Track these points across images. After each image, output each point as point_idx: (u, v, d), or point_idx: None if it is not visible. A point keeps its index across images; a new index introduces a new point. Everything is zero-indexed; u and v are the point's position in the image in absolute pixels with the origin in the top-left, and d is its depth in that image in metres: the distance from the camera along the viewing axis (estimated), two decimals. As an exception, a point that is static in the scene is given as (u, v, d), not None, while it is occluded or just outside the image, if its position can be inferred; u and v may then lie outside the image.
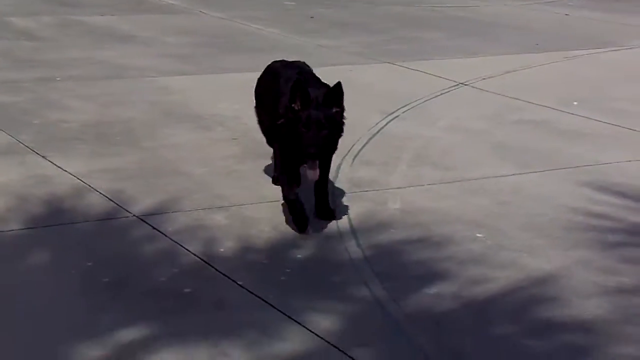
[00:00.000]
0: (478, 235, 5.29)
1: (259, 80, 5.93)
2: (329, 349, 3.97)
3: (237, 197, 5.78)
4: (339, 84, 5.11)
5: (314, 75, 5.60)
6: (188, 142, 6.85)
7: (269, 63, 5.93)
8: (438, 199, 5.86)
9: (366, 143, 6.91)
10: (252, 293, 4.48)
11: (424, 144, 6.96)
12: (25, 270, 4.71)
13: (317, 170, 5.09)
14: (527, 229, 5.40)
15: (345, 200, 5.74)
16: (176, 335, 4.05)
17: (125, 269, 4.73)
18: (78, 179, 5.96)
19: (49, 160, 6.29)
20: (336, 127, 5.16)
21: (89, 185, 5.84)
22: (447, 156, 6.72)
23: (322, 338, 4.05)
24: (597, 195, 5.95)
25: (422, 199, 5.83)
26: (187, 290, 4.51)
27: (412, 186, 6.05)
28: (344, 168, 6.31)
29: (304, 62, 5.81)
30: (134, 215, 5.39)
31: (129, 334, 4.04)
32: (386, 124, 7.46)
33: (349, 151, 6.59)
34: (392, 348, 4.04)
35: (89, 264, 4.77)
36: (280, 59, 5.99)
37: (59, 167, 6.17)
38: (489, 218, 5.55)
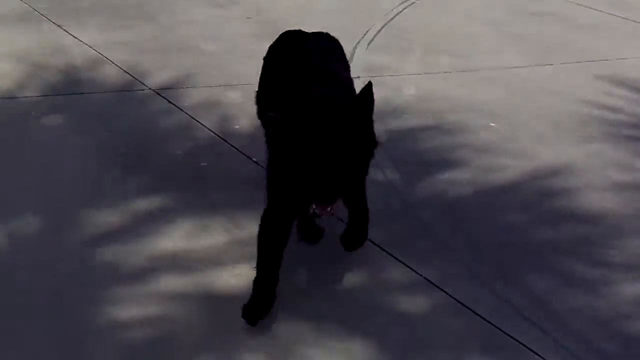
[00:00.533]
0: (491, 124, 5.29)
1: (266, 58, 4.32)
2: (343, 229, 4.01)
3: (252, 75, 5.72)
4: (369, 86, 3.29)
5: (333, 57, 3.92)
6: (203, 19, 6.80)
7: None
8: (453, 87, 5.85)
9: (381, 28, 6.86)
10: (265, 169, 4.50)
11: (440, 31, 6.92)
12: (41, 135, 4.72)
13: (337, 206, 3.16)
14: (541, 120, 5.40)
15: (359, 85, 5.72)
16: (192, 207, 4.09)
17: (142, 140, 4.74)
18: (94, 49, 5.93)
19: (64, 30, 6.25)
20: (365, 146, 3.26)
21: (105, 57, 5.82)
22: (464, 45, 6.68)
23: (337, 217, 4.09)
24: (611, 89, 5.94)
25: (437, 87, 5.82)
26: (203, 164, 4.53)
27: (427, 73, 6.03)
28: (359, 53, 6.27)
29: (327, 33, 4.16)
30: (149, 89, 5.39)
31: (146, 204, 4.08)
32: (403, 10, 7.39)
33: (363, 37, 6.54)
34: (406, 230, 4.08)
35: (107, 133, 4.78)
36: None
37: (75, 37, 6.13)
38: (503, 108, 5.55)
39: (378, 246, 3.84)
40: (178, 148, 4.68)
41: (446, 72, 6.10)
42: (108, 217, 3.95)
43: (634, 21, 7.46)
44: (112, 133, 4.79)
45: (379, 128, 5.08)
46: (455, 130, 5.19)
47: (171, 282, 3.53)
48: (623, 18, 7.54)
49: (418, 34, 6.79)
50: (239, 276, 3.55)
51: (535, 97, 5.78)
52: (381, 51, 6.37)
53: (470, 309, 3.48)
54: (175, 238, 3.84)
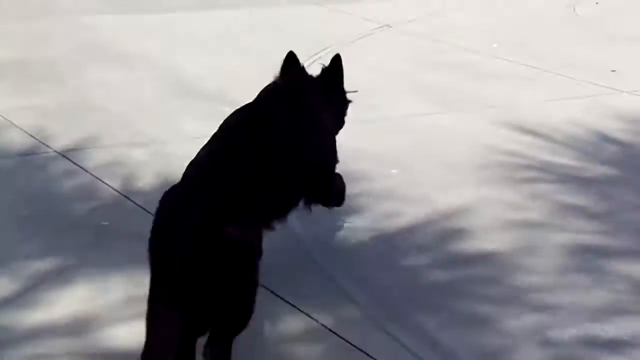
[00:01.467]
0: (393, 171, 5.40)
1: None
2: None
3: (158, 134, 5.81)
4: (337, 57, 3.89)
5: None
6: (111, 80, 6.85)
7: None
8: (356, 136, 5.94)
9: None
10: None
11: (345, 83, 7.03)
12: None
13: None
14: (441, 166, 5.52)
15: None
16: (92, 266, 4.11)
17: (44, 203, 4.76)
18: (-1, 114, 5.95)
19: (-31, 96, 6.27)
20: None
21: (10, 121, 5.83)
22: (368, 95, 6.80)
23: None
24: (510, 134, 6.09)
25: (341, 136, 5.90)
26: (105, 223, 4.56)
27: (332, 124, 6.12)
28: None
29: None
30: (54, 151, 5.41)
31: (45, 265, 4.10)
32: (309, 65, 7.51)
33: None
34: (305, 278, 4.14)
35: (9, 197, 4.79)
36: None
37: (-20, 103, 6.15)
38: (404, 155, 5.66)
39: (273, 293, 3.90)
40: (80, 209, 4.70)
41: (349, 122, 6.20)
42: (4, 281, 3.94)
43: (530, 66, 7.66)
44: (14, 196, 4.80)
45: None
46: (357, 178, 5.27)
47: (69, 344, 3.53)
48: (521, 64, 7.74)
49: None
50: (138, 334, 3.57)
51: (436, 144, 5.91)
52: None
53: (365, 352, 3.54)
54: (74, 299, 3.85)
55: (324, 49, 7.91)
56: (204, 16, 9.00)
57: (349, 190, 5.10)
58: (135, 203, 4.78)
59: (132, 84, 6.82)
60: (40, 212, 4.63)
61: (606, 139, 6.07)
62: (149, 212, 4.65)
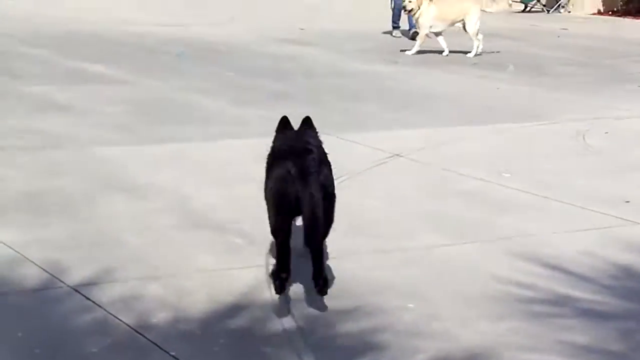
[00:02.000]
0: (410, 305, 5.33)
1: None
2: None
3: (172, 267, 5.77)
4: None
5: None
6: (125, 212, 6.84)
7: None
8: (371, 268, 5.90)
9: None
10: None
11: (359, 214, 7.02)
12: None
13: None
14: (458, 300, 5.45)
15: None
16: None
17: (56, 339, 4.68)
18: (11, 248, 5.91)
19: (-17, 229, 6.24)
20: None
21: (23, 255, 5.79)
22: (381, 226, 6.78)
23: None
24: (526, 266, 6.03)
25: (356, 269, 5.86)
26: (118, 361, 4.48)
27: (346, 255, 6.09)
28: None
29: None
30: (68, 286, 5.36)
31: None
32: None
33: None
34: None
35: (19, 334, 4.71)
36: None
37: (-7, 237, 6.12)
38: (420, 288, 5.60)
39: None
40: (93, 346, 4.62)
41: (364, 254, 6.17)
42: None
43: (541, 196, 7.65)
44: (26, 333, 4.73)
45: (297, 313, 5.09)
46: (374, 312, 5.21)
47: None
48: (533, 194, 7.73)
49: (338, 217, 6.87)
50: None
51: (452, 276, 5.85)
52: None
53: None
54: None
55: (336, 179, 7.92)
56: (213, 146, 9.05)
57: (367, 325, 5.03)
58: (149, 340, 4.70)
59: (144, 215, 6.80)
60: (51, 350, 4.56)
61: (623, 272, 6.01)
62: (163, 350, 4.59)
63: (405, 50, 16.12)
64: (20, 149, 8.58)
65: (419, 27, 16.01)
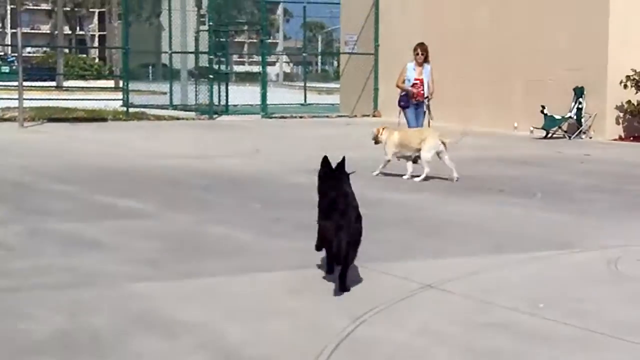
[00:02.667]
0: None
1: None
2: None
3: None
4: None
5: None
6: (156, 351, 6.73)
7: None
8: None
9: (334, 350, 6.83)
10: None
11: (394, 350, 6.89)
12: None
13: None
14: None
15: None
16: None
17: None
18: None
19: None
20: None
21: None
22: (416, 362, 6.64)
23: None
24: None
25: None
26: None
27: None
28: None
29: None
30: None
31: None
32: (354, 329, 7.40)
33: None
34: None
35: None
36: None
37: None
38: None
39: None
40: None
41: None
42: None
43: (579, 327, 7.50)
44: None
45: None
46: None
47: None
48: (570, 325, 7.58)
49: (372, 354, 6.75)
50: None
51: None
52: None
53: None
54: None
55: (367, 312, 7.82)
56: (242, 280, 8.98)
57: None
58: None
59: (176, 354, 6.69)
60: None
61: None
62: None
63: (414, 177, 16.36)
64: (49, 287, 8.53)
65: (385, 154, 17.17)
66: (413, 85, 19.40)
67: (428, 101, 19.33)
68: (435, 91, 19.45)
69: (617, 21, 25.26)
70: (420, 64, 19.47)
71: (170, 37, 37.27)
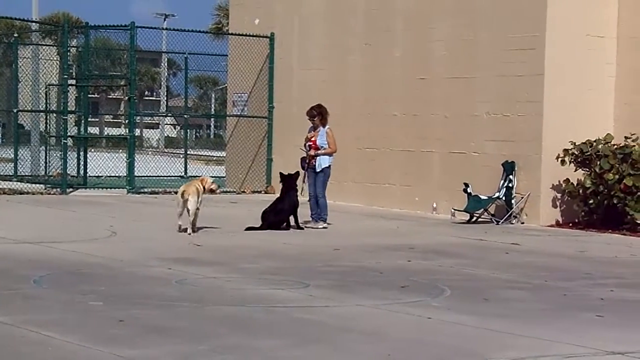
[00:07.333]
0: None
1: None
2: None
3: None
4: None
5: None
6: None
7: None
8: None
9: None
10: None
11: None
12: None
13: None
14: None
15: None
16: None
17: None
18: None
19: None
20: None
21: None
22: None
23: None
24: None
25: None
26: None
27: None
28: None
29: None
30: None
31: None
32: None
33: None
34: None
35: None
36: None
37: None
38: None
39: None
40: None
41: None
42: None
43: None
44: None
45: None
46: None
47: None
48: None
49: None
50: None
51: None
52: None
53: None
54: None
55: None
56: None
57: None
58: None
59: None
60: None
61: None
62: None
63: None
64: None
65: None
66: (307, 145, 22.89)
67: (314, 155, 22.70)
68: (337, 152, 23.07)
69: (553, 82, 25.53)
70: (315, 128, 22.51)
71: (15, 92, 36.71)
